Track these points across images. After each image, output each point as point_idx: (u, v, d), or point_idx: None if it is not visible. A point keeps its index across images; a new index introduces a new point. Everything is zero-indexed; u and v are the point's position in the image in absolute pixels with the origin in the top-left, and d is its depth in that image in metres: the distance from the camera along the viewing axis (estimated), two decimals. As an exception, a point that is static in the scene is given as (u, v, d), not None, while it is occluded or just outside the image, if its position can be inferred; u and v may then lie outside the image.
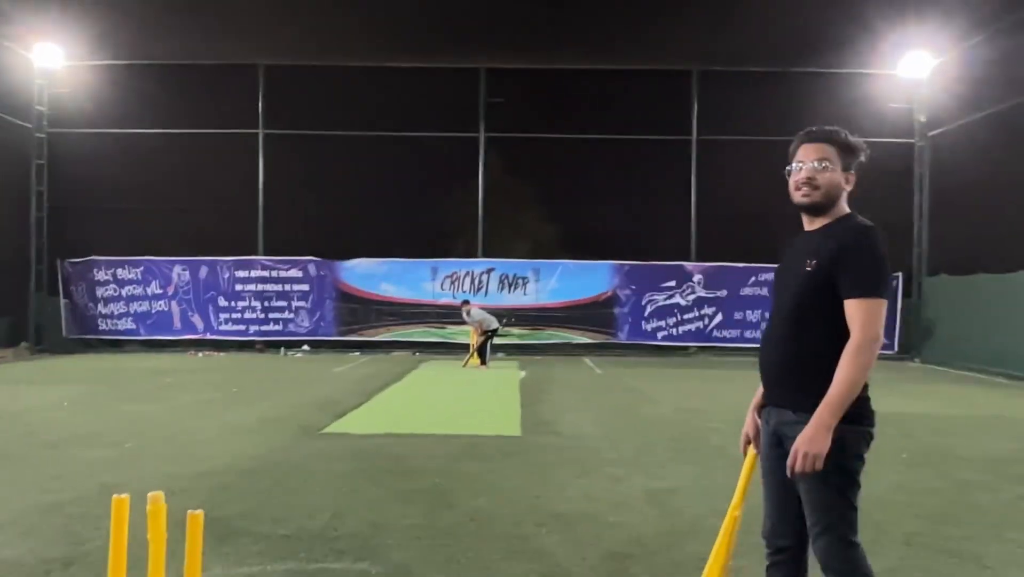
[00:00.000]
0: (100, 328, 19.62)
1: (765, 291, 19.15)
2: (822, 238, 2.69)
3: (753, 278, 19.20)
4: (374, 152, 19.85)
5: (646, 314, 19.36)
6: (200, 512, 2.32)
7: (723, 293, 19.28)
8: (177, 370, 14.67)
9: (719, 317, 19.28)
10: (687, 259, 19.65)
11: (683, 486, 5.77)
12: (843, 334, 2.55)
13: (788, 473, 2.56)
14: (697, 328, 19.33)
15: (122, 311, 19.60)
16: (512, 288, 19.31)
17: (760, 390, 2.86)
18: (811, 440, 2.47)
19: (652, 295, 19.34)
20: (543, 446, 7.31)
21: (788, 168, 2.85)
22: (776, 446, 2.75)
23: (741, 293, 19.25)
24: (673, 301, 19.30)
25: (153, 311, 19.57)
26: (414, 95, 19.62)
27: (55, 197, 19.73)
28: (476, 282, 19.38)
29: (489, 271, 19.46)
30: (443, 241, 20.40)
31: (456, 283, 19.40)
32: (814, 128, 2.83)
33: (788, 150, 2.91)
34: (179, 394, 10.92)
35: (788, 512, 2.73)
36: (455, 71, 19.78)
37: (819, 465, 2.46)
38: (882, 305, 2.56)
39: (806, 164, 2.74)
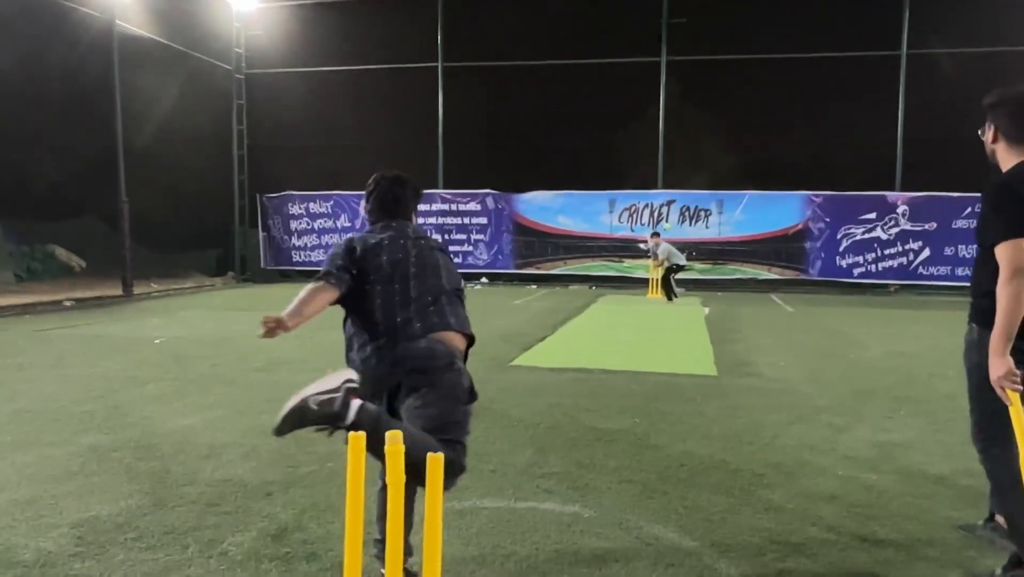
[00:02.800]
0: (294, 260, 20.85)
1: (983, 224, 17.12)
2: None
3: (968, 209, 17.23)
4: (551, 82, 19.47)
5: (841, 249, 17.96)
6: (441, 454, 2.13)
7: (932, 226, 17.49)
8: (366, 300, 15.28)
9: (926, 252, 17.56)
10: (891, 188, 17.92)
11: (917, 440, 5.13)
12: None
13: None
14: (900, 264, 17.72)
15: (314, 243, 20.69)
16: (694, 221, 18.50)
17: None
18: None
19: (849, 228, 17.88)
20: (744, 388, 6.83)
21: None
22: None
23: (953, 226, 17.37)
24: (873, 235, 17.75)
25: (343, 243, 20.48)
26: (593, 19, 18.93)
27: (253, 135, 20.95)
28: (656, 214, 18.72)
29: (669, 203, 18.71)
30: (621, 172, 19.83)
31: (635, 215, 18.84)
32: None
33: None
34: (371, 323, 11.28)
35: None
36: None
37: None
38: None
39: None
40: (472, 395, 3.05)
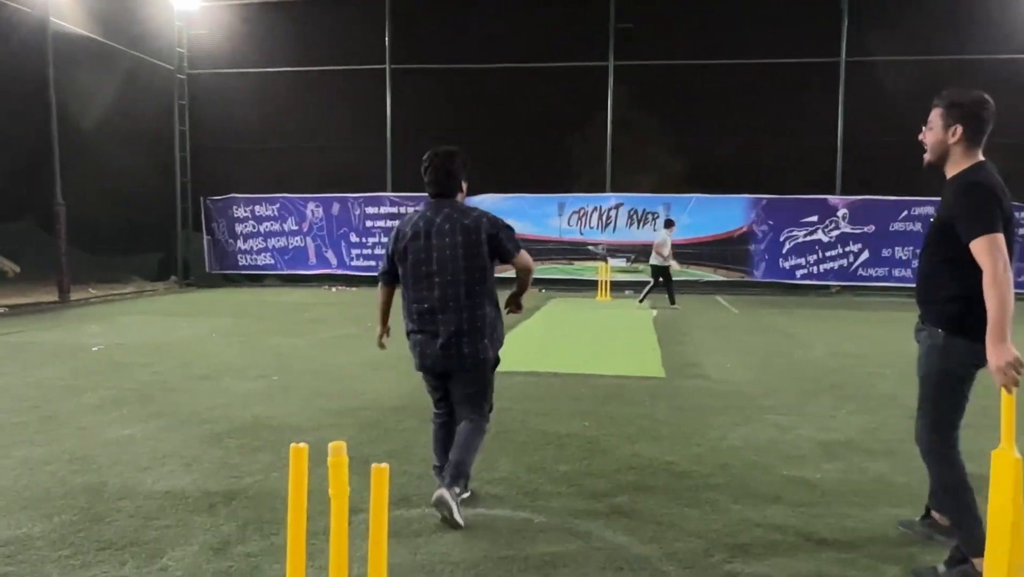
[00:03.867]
0: (240, 263, 20.45)
1: (918, 226, 17.70)
2: None
3: (905, 212, 17.78)
4: (499, 85, 19.45)
5: (784, 251, 18.33)
6: (386, 465, 2.09)
7: (870, 229, 17.97)
8: (315, 304, 15.08)
9: (865, 254, 18.03)
10: (831, 192, 18.37)
11: (858, 439, 5.25)
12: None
13: None
14: (840, 266, 18.16)
15: (260, 247, 20.33)
16: (641, 224, 18.67)
17: None
18: None
19: (791, 231, 18.25)
20: (692, 390, 6.91)
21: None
22: None
23: (891, 228, 17.87)
24: (814, 237, 18.16)
25: (290, 247, 20.20)
26: (542, 23, 18.96)
27: (196, 137, 20.50)
28: (604, 218, 18.86)
29: (617, 206, 18.87)
30: (569, 176, 19.92)
31: (583, 219, 18.95)
32: None
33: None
34: (320, 328, 11.14)
35: None
36: (584, -4, 18.99)
37: None
38: None
39: None
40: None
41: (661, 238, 14.87)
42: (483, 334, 3.80)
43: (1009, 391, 2.72)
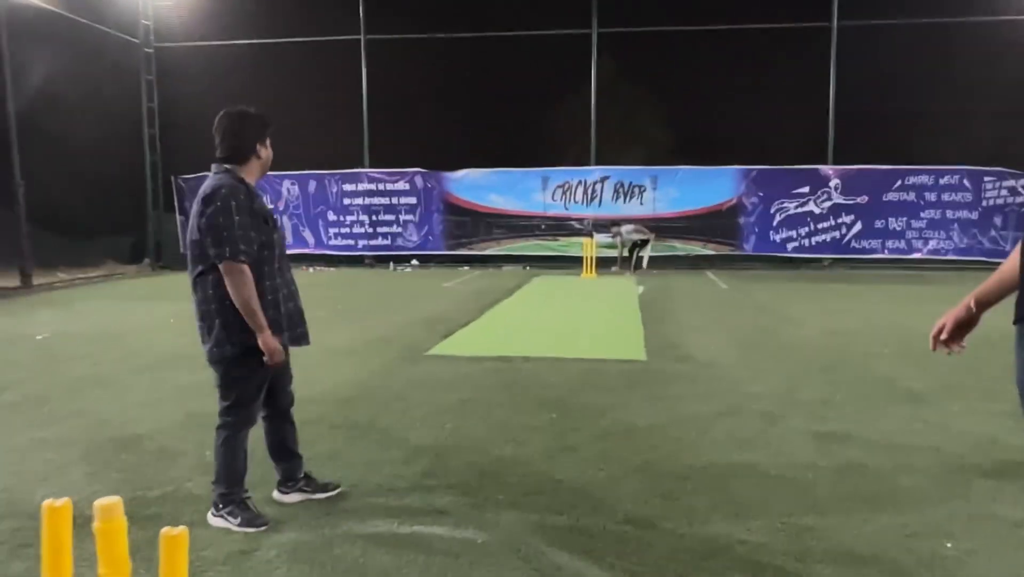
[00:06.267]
0: (215, 244, 19.76)
1: (912, 196, 17.18)
2: None
3: (899, 182, 17.22)
4: (480, 55, 18.74)
5: (775, 223, 17.77)
6: (181, 531, 1.52)
7: (863, 199, 17.41)
8: (286, 286, 14.47)
9: (858, 226, 17.48)
10: (823, 162, 17.78)
11: (855, 431, 4.70)
12: None
13: None
14: (833, 238, 17.62)
15: (235, 227, 19.62)
16: (628, 197, 18.07)
17: None
18: None
19: (782, 202, 17.68)
20: (674, 375, 6.36)
21: None
22: None
23: (884, 199, 17.32)
24: (806, 209, 17.59)
25: (265, 226, 19.50)
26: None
27: (165, 113, 19.72)
28: (589, 192, 18.24)
29: (603, 180, 18.24)
30: (553, 149, 19.27)
31: (568, 193, 18.33)
32: None
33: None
34: (284, 311, 10.55)
35: None
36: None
37: None
38: None
39: None
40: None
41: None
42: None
43: None
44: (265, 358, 3.22)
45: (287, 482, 3.62)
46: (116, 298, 12.95)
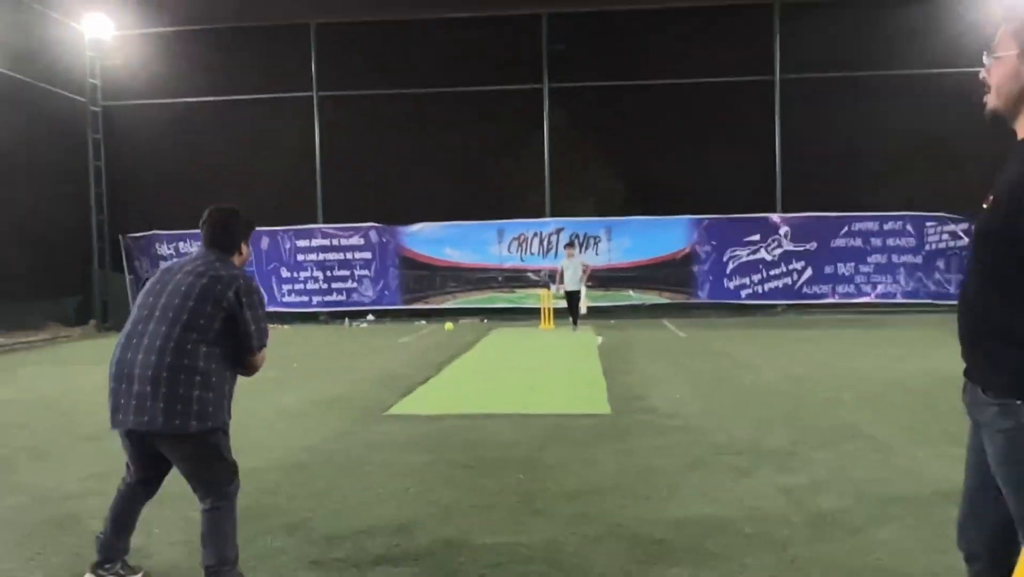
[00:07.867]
0: (164, 303, 19.27)
1: (859, 241, 17.61)
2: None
3: (845, 228, 17.65)
4: (432, 111, 18.87)
5: (728, 271, 18.00)
6: None
7: (812, 246, 17.76)
8: (238, 345, 14.10)
9: (809, 272, 17.80)
10: (772, 210, 18.16)
11: (825, 480, 4.66)
12: None
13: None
14: (785, 284, 17.89)
15: (185, 285, 19.18)
16: (583, 248, 18.15)
17: None
18: None
19: (734, 250, 17.94)
20: (639, 427, 6.28)
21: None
22: (975, 431, 2.14)
23: (832, 245, 17.71)
24: (758, 256, 17.87)
25: (216, 285, 19.11)
26: (473, 48, 18.42)
27: (113, 172, 19.38)
28: (545, 243, 18.31)
29: (559, 231, 18.33)
30: (508, 202, 19.36)
31: (524, 245, 18.37)
32: None
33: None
34: (237, 372, 10.23)
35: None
36: (515, 19, 18.55)
37: None
38: None
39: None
40: None
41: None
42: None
43: None
44: None
45: (104, 565, 3.32)
46: (59, 363, 12.47)
